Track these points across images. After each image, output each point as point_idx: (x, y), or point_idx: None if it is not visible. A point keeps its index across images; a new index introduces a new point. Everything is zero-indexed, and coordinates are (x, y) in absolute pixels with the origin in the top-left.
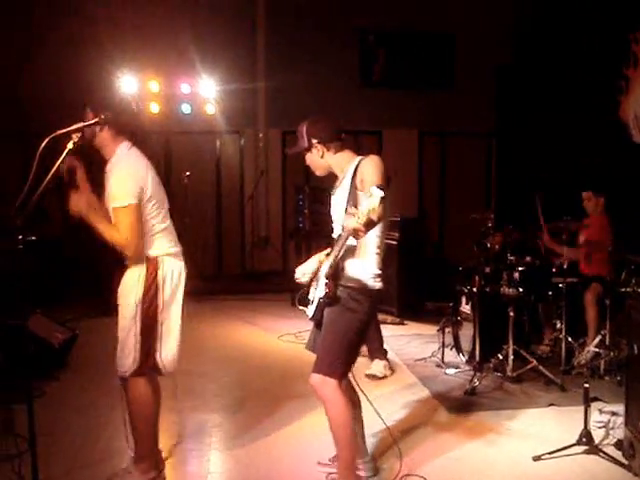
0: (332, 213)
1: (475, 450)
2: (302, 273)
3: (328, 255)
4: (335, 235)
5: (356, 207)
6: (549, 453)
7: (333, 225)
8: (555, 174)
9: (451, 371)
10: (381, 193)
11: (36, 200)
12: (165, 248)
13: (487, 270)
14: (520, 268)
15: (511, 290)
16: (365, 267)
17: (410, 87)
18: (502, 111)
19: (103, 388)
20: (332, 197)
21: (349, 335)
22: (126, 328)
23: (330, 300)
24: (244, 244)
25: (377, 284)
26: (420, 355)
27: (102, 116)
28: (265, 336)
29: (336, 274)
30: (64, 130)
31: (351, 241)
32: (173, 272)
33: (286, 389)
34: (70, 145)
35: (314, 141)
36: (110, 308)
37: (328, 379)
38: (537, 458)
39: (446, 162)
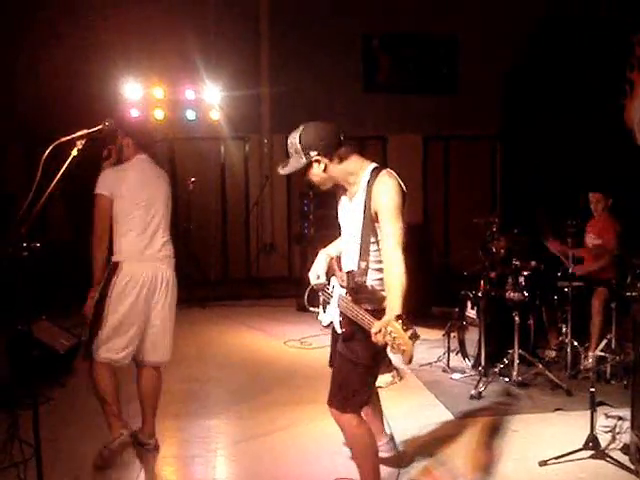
0: (341, 221)
1: (481, 455)
2: (316, 276)
3: (341, 279)
4: (344, 249)
5: (374, 235)
6: (555, 458)
7: (342, 233)
8: (560, 177)
9: (457, 376)
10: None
11: (40, 207)
12: (127, 252)
13: (492, 275)
14: (525, 272)
15: (516, 294)
16: (377, 287)
17: (414, 91)
18: (507, 114)
19: None
20: (344, 203)
21: (358, 369)
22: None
23: (345, 339)
24: (249, 250)
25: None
26: (426, 360)
27: (106, 123)
28: (270, 342)
29: (355, 292)
30: (68, 137)
31: (369, 281)
32: (132, 276)
33: (292, 395)
34: (74, 152)
35: (312, 154)
36: None
37: (345, 414)
38: (543, 463)
39: (450, 166)
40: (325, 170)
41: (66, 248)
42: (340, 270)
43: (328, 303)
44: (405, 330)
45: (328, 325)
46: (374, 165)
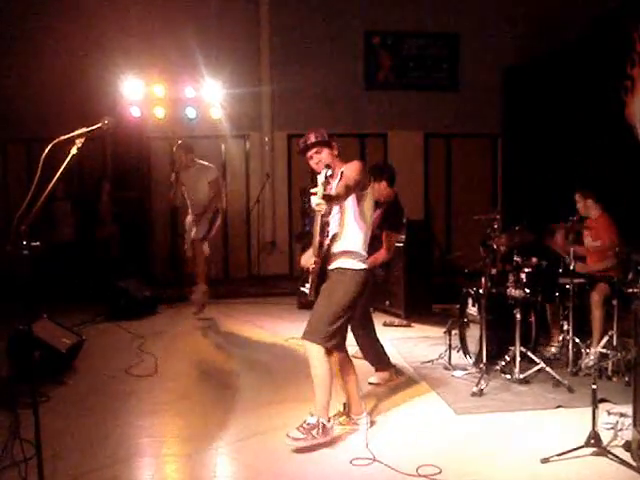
0: None
1: (483, 452)
2: (306, 260)
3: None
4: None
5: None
6: (557, 455)
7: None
8: (560, 174)
9: (458, 373)
10: (327, 172)
11: (40, 206)
12: None
13: (494, 272)
14: (527, 269)
15: (518, 291)
16: (347, 251)
17: (415, 88)
18: (508, 112)
19: (109, 393)
20: None
21: (334, 308)
22: None
23: (317, 275)
24: (250, 248)
25: (359, 265)
26: (427, 357)
27: (106, 121)
28: (272, 339)
29: (323, 256)
30: (67, 136)
31: (333, 228)
32: None
33: (293, 393)
34: (74, 150)
35: (333, 142)
36: (118, 312)
37: (313, 344)
38: (545, 460)
39: (452, 163)
40: (337, 156)
41: (68, 247)
42: None
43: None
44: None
45: (309, 295)
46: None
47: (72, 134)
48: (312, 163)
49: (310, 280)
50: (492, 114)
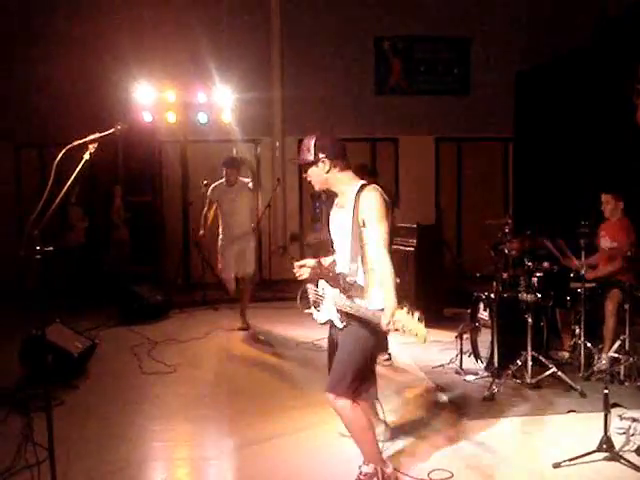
0: (332, 231)
1: (494, 457)
2: (300, 266)
3: (332, 280)
4: (337, 258)
5: (362, 240)
6: (569, 460)
7: (333, 241)
8: (572, 179)
9: (470, 378)
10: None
11: (53, 211)
12: None
13: (505, 276)
14: (538, 274)
15: (529, 296)
16: (374, 302)
17: (426, 93)
18: (519, 116)
19: (121, 397)
20: (331, 214)
21: (358, 361)
22: None
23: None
24: (261, 252)
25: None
26: (438, 362)
27: (118, 126)
28: (283, 344)
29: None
30: (81, 141)
31: (360, 280)
32: None
33: (305, 398)
34: (86, 156)
35: (321, 155)
36: (130, 316)
37: (339, 398)
38: (557, 465)
39: (463, 168)
40: (328, 172)
41: (78, 251)
42: (332, 273)
43: (320, 303)
44: (411, 315)
45: (325, 322)
46: (363, 182)
47: (85, 139)
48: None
49: (313, 299)
50: (503, 118)
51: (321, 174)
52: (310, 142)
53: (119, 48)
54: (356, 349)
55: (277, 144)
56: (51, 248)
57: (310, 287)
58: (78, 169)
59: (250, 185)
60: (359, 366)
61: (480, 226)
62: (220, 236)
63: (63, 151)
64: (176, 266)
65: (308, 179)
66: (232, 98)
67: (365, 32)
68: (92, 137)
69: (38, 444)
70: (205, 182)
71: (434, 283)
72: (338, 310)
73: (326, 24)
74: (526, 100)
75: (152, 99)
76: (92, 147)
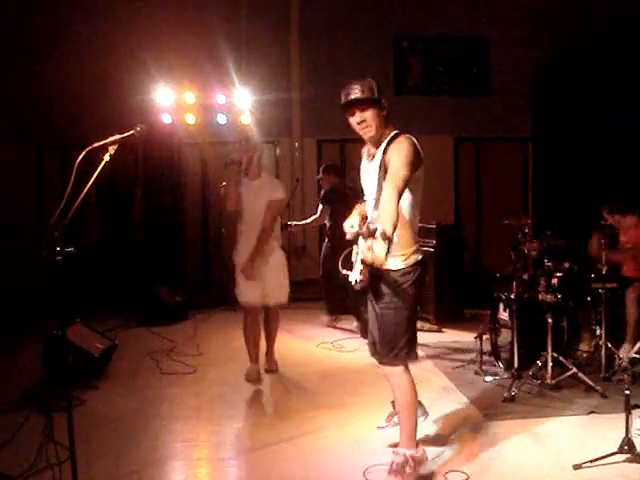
0: (363, 183)
1: (514, 457)
2: (350, 225)
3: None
4: (367, 201)
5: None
6: (590, 461)
7: (365, 194)
8: (593, 178)
9: (489, 378)
10: (384, 246)
11: (74, 212)
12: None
13: (525, 276)
14: (558, 274)
15: (549, 296)
16: (399, 242)
17: (445, 93)
18: (539, 115)
19: (142, 397)
20: (363, 164)
21: (400, 322)
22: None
23: (363, 286)
24: None
25: (414, 257)
26: (458, 362)
27: (138, 128)
28: (302, 345)
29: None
30: (101, 142)
31: (373, 226)
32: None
33: (323, 398)
34: (107, 157)
35: (383, 99)
36: (150, 318)
37: (395, 368)
38: (577, 466)
39: (482, 168)
40: (386, 117)
41: (97, 252)
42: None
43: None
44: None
45: (357, 282)
46: (397, 131)
47: (105, 141)
48: (352, 121)
49: (356, 265)
50: (523, 118)
51: (381, 117)
52: (369, 83)
53: (139, 50)
54: (394, 310)
55: (296, 145)
56: (72, 249)
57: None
58: (98, 170)
59: (278, 187)
60: (403, 326)
61: (499, 226)
62: (237, 245)
63: (83, 152)
64: (195, 267)
65: (360, 121)
66: (251, 99)
67: (384, 32)
68: (112, 139)
69: (59, 443)
70: (224, 184)
71: (453, 283)
72: (361, 261)
73: (345, 24)
74: (546, 99)
75: (171, 101)
76: (112, 149)
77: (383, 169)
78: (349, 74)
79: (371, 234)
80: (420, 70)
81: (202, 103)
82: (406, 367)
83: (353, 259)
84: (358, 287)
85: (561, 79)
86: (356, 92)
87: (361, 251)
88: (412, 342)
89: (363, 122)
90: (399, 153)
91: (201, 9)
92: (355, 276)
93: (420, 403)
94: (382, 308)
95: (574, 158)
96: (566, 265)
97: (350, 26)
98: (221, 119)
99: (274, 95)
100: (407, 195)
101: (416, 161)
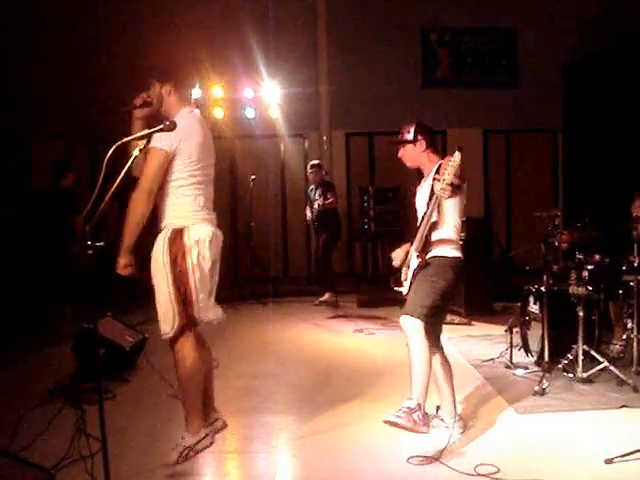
0: (417, 207)
1: (544, 452)
2: (395, 256)
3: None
4: (419, 216)
5: (437, 201)
6: (621, 456)
7: (417, 214)
8: (622, 170)
9: (520, 372)
10: (458, 155)
11: (104, 207)
12: (191, 215)
13: (555, 269)
14: (589, 266)
15: (580, 289)
16: (445, 239)
17: (474, 85)
18: (569, 107)
19: (172, 390)
20: (418, 190)
21: (433, 294)
22: (162, 292)
23: (421, 267)
24: (309, 247)
25: (457, 253)
26: (488, 356)
27: (167, 123)
28: (331, 338)
29: (425, 246)
30: (130, 137)
31: (433, 217)
32: (200, 238)
33: (353, 391)
34: (136, 152)
35: (419, 137)
36: None
37: (414, 318)
38: (609, 461)
39: (512, 160)
40: (423, 151)
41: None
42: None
43: (407, 273)
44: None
45: (409, 289)
46: (442, 161)
47: (134, 136)
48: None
49: (405, 276)
50: (552, 109)
51: (418, 152)
52: (411, 126)
53: (168, 44)
54: (431, 283)
55: (324, 138)
56: (102, 244)
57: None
58: (128, 165)
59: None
60: (435, 297)
61: (529, 218)
62: None
63: (113, 148)
64: (224, 261)
65: (401, 157)
66: (279, 93)
67: (412, 24)
68: (141, 133)
69: (91, 436)
70: (253, 177)
71: (483, 276)
72: (416, 250)
73: (372, 17)
74: (576, 91)
75: (199, 95)
76: (141, 143)
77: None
78: (377, 67)
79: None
80: (448, 62)
81: (230, 97)
82: (423, 324)
83: (402, 278)
84: (418, 269)
85: (591, 70)
86: (399, 136)
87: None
88: (434, 310)
89: (401, 157)
90: (451, 168)
91: (230, 3)
92: (413, 268)
93: (460, 417)
94: (418, 279)
95: (605, 150)
96: (597, 257)
97: (378, 18)
98: (249, 113)
99: (302, 88)
100: (458, 201)
101: (463, 176)
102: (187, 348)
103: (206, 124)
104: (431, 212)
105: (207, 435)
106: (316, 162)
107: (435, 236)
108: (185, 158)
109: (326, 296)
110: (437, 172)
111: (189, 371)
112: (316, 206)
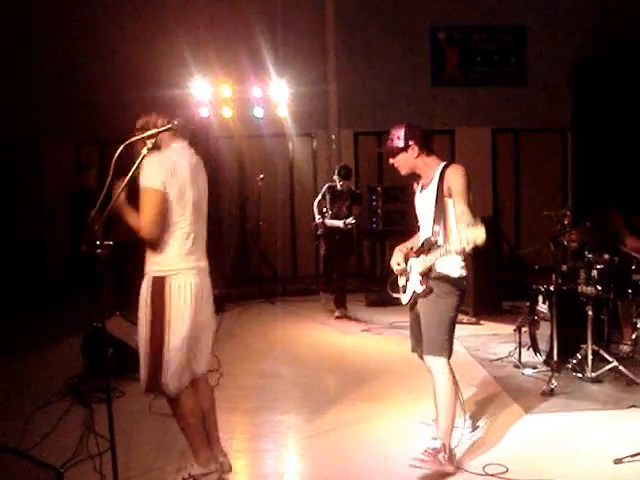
0: (418, 213)
1: (552, 452)
2: (396, 263)
3: (416, 252)
4: (422, 235)
5: (443, 212)
6: (631, 456)
7: (419, 224)
8: (632, 169)
9: (528, 371)
10: (483, 230)
11: (113, 205)
12: (176, 262)
13: (564, 268)
14: (598, 266)
15: (589, 288)
16: (451, 261)
17: (482, 84)
18: (578, 105)
19: None
20: (417, 196)
21: (444, 325)
22: (142, 345)
23: (426, 294)
24: (318, 246)
25: (462, 272)
26: (497, 355)
27: (175, 122)
28: (340, 337)
29: (429, 271)
30: (138, 136)
31: (440, 241)
32: (181, 288)
33: (361, 390)
34: (144, 151)
35: (411, 142)
36: None
37: (437, 357)
38: (618, 461)
39: (520, 159)
40: (416, 157)
41: (135, 246)
42: (415, 246)
43: (408, 281)
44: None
45: (409, 300)
46: (446, 162)
47: (143, 135)
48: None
49: (403, 289)
50: (561, 108)
51: (410, 159)
52: (400, 131)
53: (176, 43)
54: (441, 307)
55: (333, 137)
56: (111, 242)
57: (402, 268)
58: (136, 164)
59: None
60: (449, 323)
61: (538, 217)
62: None
63: (121, 147)
64: (233, 260)
65: (395, 165)
66: (287, 92)
67: (420, 22)
68: (150, 132)
69: (100, 434)
70: (262, 176)
71: (492, 275)
72: (420, 274)
73: (381, 15)
74: (585, 89)
75: (208, 94)
76: (150, 142)
77: (440, 193)
78: (385, 65)
79: (430, 248)
80: (457, 61)
81: (239, 96)
82: (447, 359)
83: (400, 283)
84: (422, 295)
85: (601, 69)
86: (386, 143)
87: (416, 267)
88: (450, 340)
89: (395, 165)
90: (460, 179)
91: (237, 3)
92: (415, 287)
93: (469, 416)
94: (432, 305)
95: (615, 149)
96: (606, 257)
97: (386, 17)
98: (258, 112)
99: (310, 87)
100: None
101: (470, 185)
102: (181, 398)
103: (198, 160)
104: (444, 252)
105: (216, 471)
106: (348, 166)
107: (439, 261)
108: (173, 195)
109: (338, 312)
110: (441, 178)
111: (185, 418)
112: (343, 224)
